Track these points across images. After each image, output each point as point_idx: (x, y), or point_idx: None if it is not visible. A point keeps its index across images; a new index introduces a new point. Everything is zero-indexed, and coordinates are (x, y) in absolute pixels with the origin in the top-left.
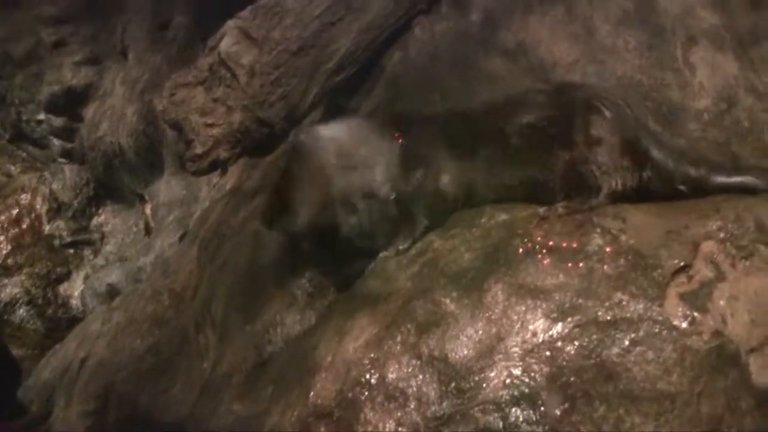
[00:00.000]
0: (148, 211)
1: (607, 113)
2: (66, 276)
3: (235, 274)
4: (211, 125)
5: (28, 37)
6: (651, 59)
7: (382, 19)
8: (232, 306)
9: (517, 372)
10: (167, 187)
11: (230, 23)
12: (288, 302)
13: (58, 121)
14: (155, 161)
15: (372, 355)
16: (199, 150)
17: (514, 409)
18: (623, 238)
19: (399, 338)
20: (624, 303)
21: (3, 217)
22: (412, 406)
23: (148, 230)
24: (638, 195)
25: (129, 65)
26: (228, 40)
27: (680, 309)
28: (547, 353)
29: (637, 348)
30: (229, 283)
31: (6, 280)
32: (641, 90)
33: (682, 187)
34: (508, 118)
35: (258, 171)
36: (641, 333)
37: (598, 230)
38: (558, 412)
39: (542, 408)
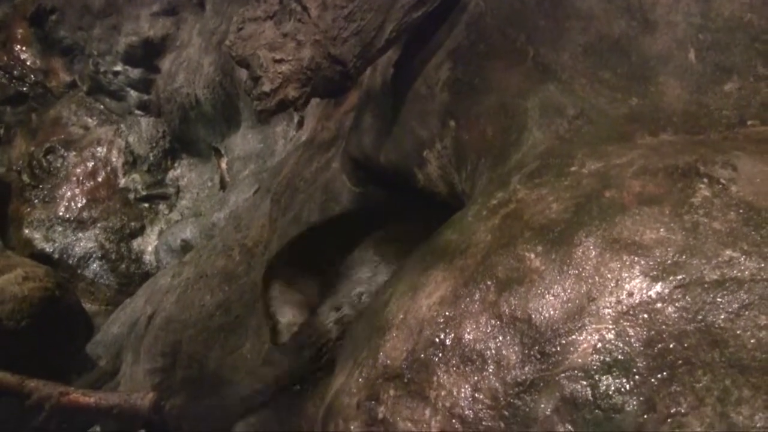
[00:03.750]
0: (223, 165)
1: None
2: (140, 231)
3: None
4: (279, 61)
5: None
6: None
7: None
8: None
9: (609, 336)
10: (243, 141)
11: None
12: (360, 256)
13: (134, 73)
14: (231, 114)
15: (447, 314)
16: (267, 87)
17: (605, 377)
18: (733, 188)
19: (477, 296)
20: (734, 261)
21: (79, 170)
22: (491, 370)
23: (223, 185)
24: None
25: (206, 16)
26: None
27: None
28: (645, 316)
29: (748, 312)
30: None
31: (81, 234)
32: (751, 31)
33: None
34: None
35: (332, 122)
36: (753, 295)
37: (705, 180)
38: (655, 382)
39: (637, 376)
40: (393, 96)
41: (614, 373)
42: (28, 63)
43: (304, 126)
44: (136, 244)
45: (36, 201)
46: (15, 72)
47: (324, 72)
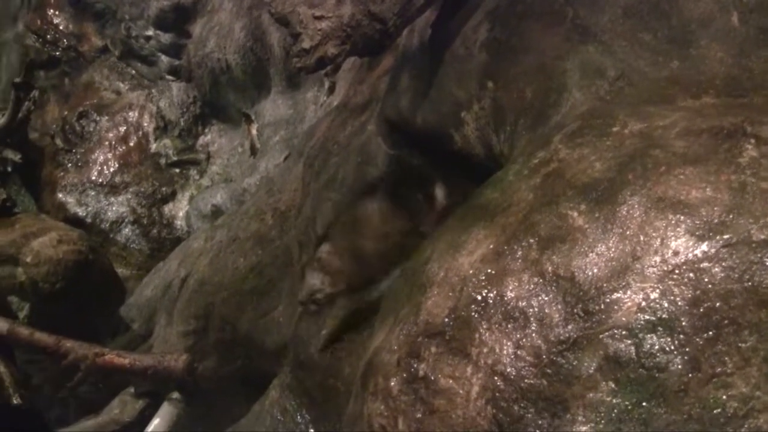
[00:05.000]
0: (253, 131)
1: None
2: (171, 196)
3: (340, 192)
4: (319, 18)
5: None
6: None
7: None
8: (337, 224)
9: (654, 295)
10: (273, 107)
11: None
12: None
13: (166, 38)
14: (262, 80)
15: (489, 271)
16: (306, 44)
17: (649, 336)
18: None
19: (519, 253)
20: None
21: (111, 135)
22: (533, 328)
23: (253, 150)
24: None
25: None
26: None
27: None
28: (690, 275)
29: None
30: (334, 200)
31: (113, 199)
32: None
33: None
34: None
35: (366, 86)
36: None
37: (752, 141)
38: (700, 342)
39: (682, 336)
40: (430, 57)
41: (659, 333)
42: (60, 27)
43: (335, 91)
44: (167, 209)
45: (69, 165)
46: (48, 36)
47: (363, 29)
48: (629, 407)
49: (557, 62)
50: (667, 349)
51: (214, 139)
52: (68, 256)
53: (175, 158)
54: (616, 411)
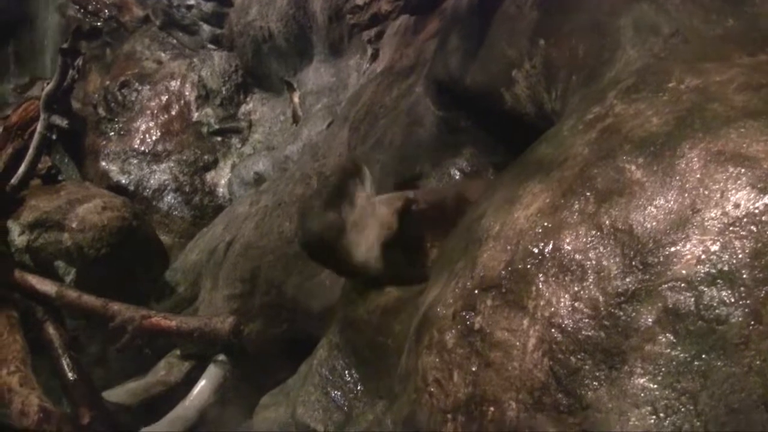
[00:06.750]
0: (296, 99)
1: None
2: (213, 164)
3: (387, 154)
4: None
5: None
6: None
7: None
8: (385, 187)
9: (714, 248)
10: (316, 75)
11: None
12: (444, 182)
13: (207, 6)
14: (304, 47)
15: (545, 225)
16: (360, 0)
17: (709, 289)
18: None
19: (576, 207)
20: None
21: (153, 104)
22: (591, 280)
23: (295, 118)
24: None
25: None
26: None
27: None
28: (752, 228)
29: None
30: (381, 162)
31: (155, 167)
32: None
33: None
34: None
35: (412, 50)
36: None
37: None
38: (761, 294)
39: (742, 288)
40: (480, 16)
41: (719, 285)
42: None
43: (379, 57)
44: (209, 177)
45: (112, 134)
46: (89, 7)
47: None
48: (688, 359)
49: (611, 19)
50: (728, 301)
51: (256, 108)
52: (112, 223)
53: (216, 127)
54: (674, 363)
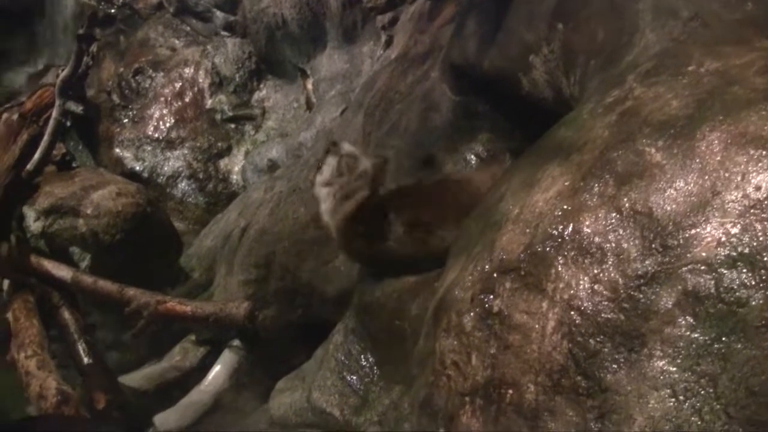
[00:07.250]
0: (309, 85)
1: None
2: (227, 151)
3: (403, 140)
4: None
5: None
6: None
7: None
8: (400, 172)
9: (735, 230)
10: (329, 62)
11: None
12: (460, 167)
13: None
14: (318, 34)
15: (565, 207)
16: None
17: (729, 271)
18: None
19: (596, 189)
20: None
21: (167, 91)
22: (610, 263)
23: (309, 105)
24: None
25: None
26: None
27: None
28: None
29: None
30: (396, 148)
31: (169, 153)
32: None
33: None
34: None
35: (427, 36)
36: None
37: None
38: None
39: (763, 271)
40: (497, 1)
41: (739, 267)
42: None
43: (393, 43)
44: (223, 164)
45: (126, 121)
46: None
47: None
48: (708, 342)
49: (629, 3)
50: (748, 284)
51: (270, 95)
52: (127, 209)
53: (230, 114)
54: (694, 346)
